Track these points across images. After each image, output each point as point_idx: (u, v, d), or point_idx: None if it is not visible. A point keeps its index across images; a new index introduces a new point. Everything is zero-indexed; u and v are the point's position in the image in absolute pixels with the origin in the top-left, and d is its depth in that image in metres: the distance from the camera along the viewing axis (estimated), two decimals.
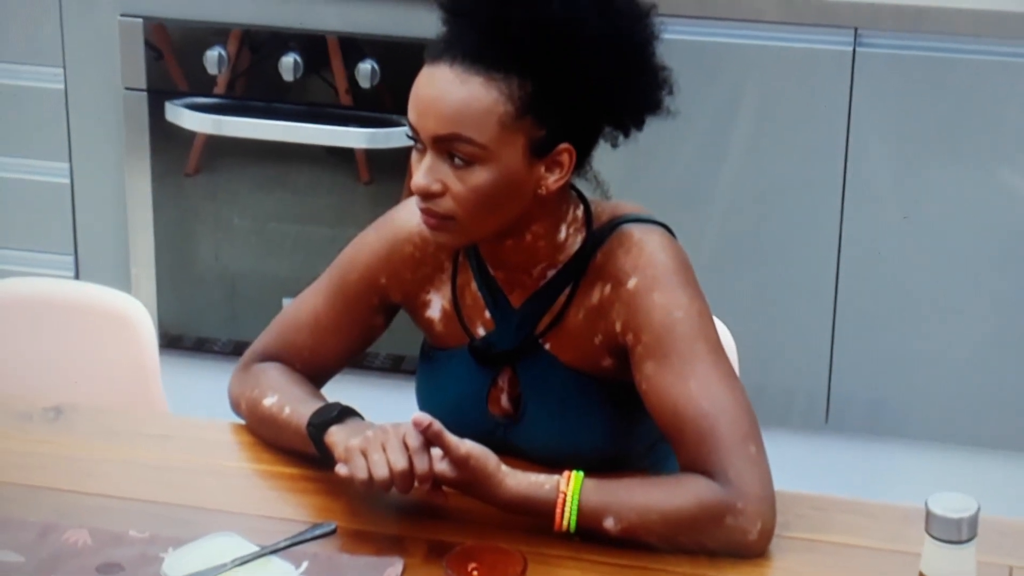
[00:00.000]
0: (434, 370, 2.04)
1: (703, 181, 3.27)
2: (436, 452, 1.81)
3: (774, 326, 3.29)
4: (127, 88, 3.44)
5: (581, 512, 1.81)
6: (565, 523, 1.81)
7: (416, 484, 1.81)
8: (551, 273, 1.94)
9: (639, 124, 1.92)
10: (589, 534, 1.82)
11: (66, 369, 2.40)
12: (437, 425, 1.80)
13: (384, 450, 1.80)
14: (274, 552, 1.78)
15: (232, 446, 2.07)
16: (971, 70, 3.11)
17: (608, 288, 1.92)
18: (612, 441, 1.97)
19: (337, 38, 3.35)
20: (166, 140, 3.46)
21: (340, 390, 2.05)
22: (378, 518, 1.89)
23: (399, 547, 1.83)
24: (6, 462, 2.01)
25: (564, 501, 1.81)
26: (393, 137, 3.31)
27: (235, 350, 3.46)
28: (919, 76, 3.13)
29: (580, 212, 1.95)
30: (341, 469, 1.82)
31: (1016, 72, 3.10)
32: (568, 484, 1.81)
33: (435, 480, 1.82)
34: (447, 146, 1.83)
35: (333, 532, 1.83)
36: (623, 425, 1.97)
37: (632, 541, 1.81)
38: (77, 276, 3.57)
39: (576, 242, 1.94)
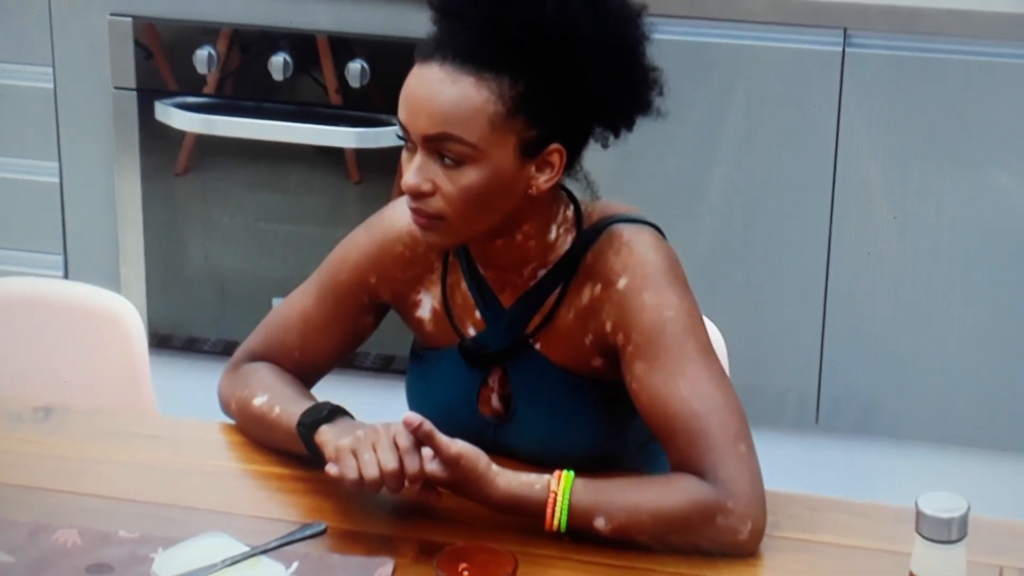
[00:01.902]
0: (424, 370, 2.04)
1: (693, 181, 3.27)
2: (427, 452, 1.81)
3: (764, 326, 3.29)
4: (116, 87, 3.43)
5: (572, 512, 1.81)
6: (556, 523, 1.81)
7: (406, 484, 1.80)
8: (541, 273, 1.94)
9: (629, 124, 1.92)
10: (580, 534, 1.82)
11: (56, 369, 2.39)
12: (428, 425, 1.79)
13: (374, 450, 1.80)
14: (264, 552, 1.77)
15: (222, 446, 2.06)
16: (961, 71, 3.11)
17: (598, 288, 1.92)
18: (602, 441, 1.97)
19: (327, 37, 3.34)
20: (155, 139, 3.45)
21: (330, 390, 2.05)
22: (368, 518, 1.88)
23: (389, 547, 1.82)
24: None
25: (555, 501, 1.81)
26: (383, 137, 3.30)
27: (225, 350, 3.45)
28: (908, 76, 3.13)
29: (570, 212, 1.95)
30: (331, 469, 1.82)
31: (1006, 73, 3.10)
32: (559, 484, 1.81)
33: (426, 480, 1.81)
34: (437, 146, 1.83)
35: (323, 532, 1.82)
36: (613, 425, 1.97)
37: (623, 541, 1.81)
38: (66, 276, 3.56)
39: (566, 242, 1.94)
